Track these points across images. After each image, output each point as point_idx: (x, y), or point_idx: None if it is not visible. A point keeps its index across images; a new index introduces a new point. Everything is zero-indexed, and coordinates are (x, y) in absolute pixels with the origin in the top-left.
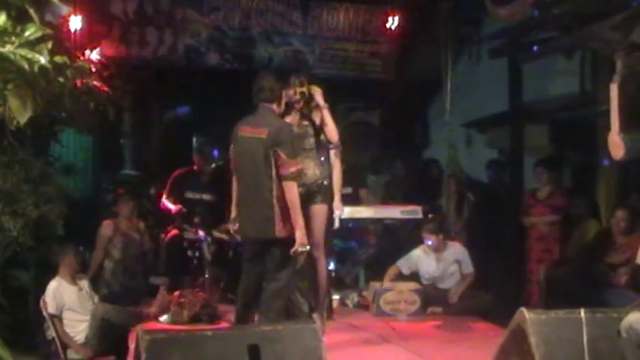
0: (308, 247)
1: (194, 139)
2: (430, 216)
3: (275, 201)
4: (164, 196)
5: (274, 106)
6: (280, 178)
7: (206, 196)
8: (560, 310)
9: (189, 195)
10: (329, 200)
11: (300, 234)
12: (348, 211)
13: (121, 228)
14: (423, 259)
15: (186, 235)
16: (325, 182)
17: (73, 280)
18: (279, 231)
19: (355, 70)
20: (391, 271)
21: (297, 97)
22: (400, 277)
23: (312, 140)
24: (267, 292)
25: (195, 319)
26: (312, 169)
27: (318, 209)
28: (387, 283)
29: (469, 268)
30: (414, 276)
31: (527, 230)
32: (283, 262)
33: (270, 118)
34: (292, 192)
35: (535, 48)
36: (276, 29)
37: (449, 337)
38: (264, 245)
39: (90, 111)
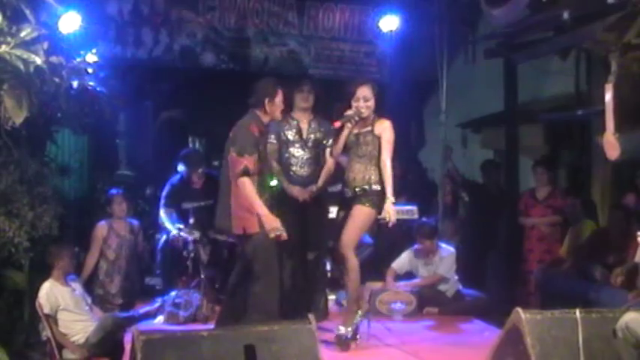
0: (278, 232)
1: (189, 139)
2: (423, 219)
3: (233, 198)
4: (162, 210)
5: (259, 111)
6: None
7: (201, 203)
8: (555, 310)
9: (186, 206)
10: (376, 206)
11: (264, 220)
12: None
13: (116, 229)
14: (412, 262)
15: (182, 235)
16: (376, 187)
17: (65, 281)
18: (235, 227)
19: (351, 70)
20: (390, 273)
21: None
22: (397, 277)
23: (364, 148)
24: (251, 295)
25: (190, 319)
26: (361, 174)
27: (358, 210)
28: (390, 282)
29: (446, 271)
30: (408, 275)
31: (526, 231)
32: (253, 258)
33: (240, 121)
34: (244, 188)
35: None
36: (272, 29)
37: (444, 337)
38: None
39: (85, 111)
